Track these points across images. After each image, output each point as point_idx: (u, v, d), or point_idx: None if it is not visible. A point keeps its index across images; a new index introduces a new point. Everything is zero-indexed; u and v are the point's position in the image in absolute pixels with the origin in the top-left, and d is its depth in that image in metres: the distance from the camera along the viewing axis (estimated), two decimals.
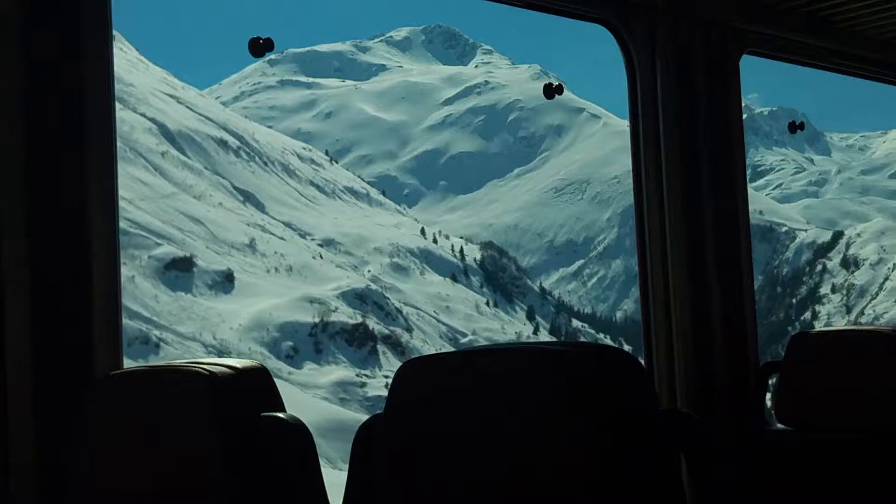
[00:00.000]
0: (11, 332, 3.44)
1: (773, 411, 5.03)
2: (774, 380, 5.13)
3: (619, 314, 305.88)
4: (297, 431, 2.85)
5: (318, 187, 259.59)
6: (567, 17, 5.31)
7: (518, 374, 2.48)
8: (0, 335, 3.43)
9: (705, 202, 5.43)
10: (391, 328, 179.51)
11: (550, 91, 5.75)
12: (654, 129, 5.41)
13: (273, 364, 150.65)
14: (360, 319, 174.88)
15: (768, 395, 5.58)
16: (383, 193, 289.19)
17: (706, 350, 5.35)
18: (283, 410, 2.93)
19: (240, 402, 2.87)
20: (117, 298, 3.67)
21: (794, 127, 7.00)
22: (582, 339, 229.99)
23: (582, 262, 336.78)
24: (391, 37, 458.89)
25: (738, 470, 5.06)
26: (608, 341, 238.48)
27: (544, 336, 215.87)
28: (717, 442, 4.87)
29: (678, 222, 5.37)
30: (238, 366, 2.95)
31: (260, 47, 4.47)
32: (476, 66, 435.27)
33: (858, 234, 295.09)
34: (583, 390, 2.39)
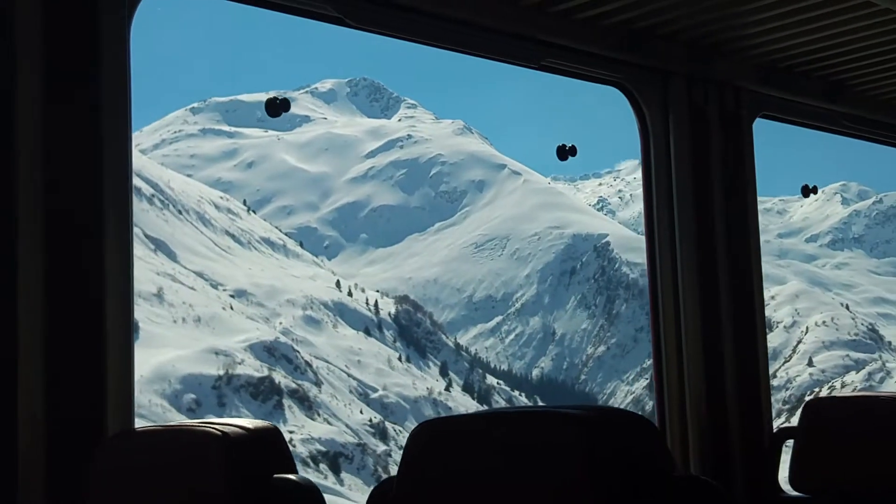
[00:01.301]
0: (25, 391, 3.46)
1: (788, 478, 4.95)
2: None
3: (535, 372, 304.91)
4: (309, 494, 2.82)
5: (233, 237, 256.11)
6: (580, 79, 5.38)
7: (536, 439, 2.44)
8: (13, 395, 3.45)
9: (720, 265, 5.49)
10: (299, 382, 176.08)
11: (564, 153, 5.52)
12: (668, 191, 5.45)
13: (174, 417, 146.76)
14: (266, 373, 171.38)
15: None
16: (301, 245, 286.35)
17: (720, 416, 5.36)
18: (295, 472, 2.91)
19: (252, 463, 2.85)
20: (130, 358, 3.71)
21: (808, 191, 6.87)
22: (496, 396, 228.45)
23: (500, 318, 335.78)
24: (316, 88, 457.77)
25: None
26: (523, 399, 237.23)
27: (456, 393, 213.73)
28: None
29: (692, 285, 5.41)
30: (250, 426, 2.94)
31: (276, 107, 4.43)
32: (399, 120, 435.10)
33: (773, 297, 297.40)
34: (601, 455, 2.35)
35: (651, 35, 5.30)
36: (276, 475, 2.87)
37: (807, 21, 5.16)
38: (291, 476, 2.87)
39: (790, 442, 5.05)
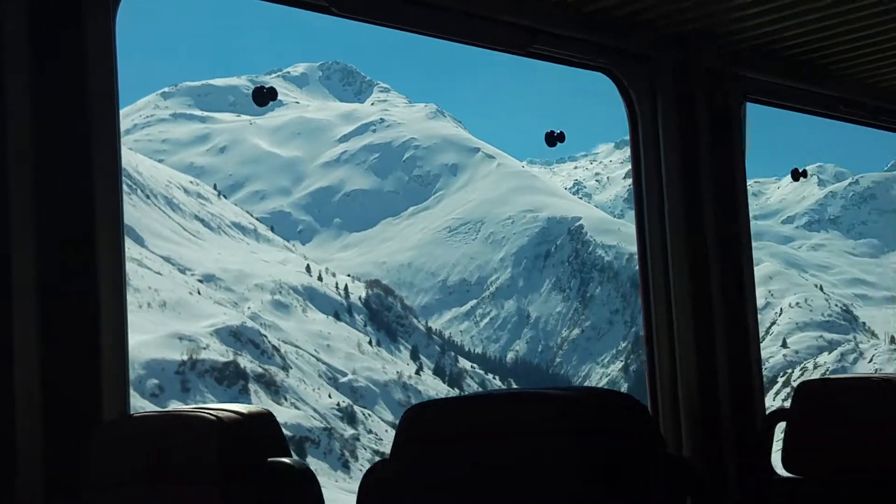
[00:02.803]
0: (21, 378, 3.52)
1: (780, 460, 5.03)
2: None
3: (510, 355, 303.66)
4: (303, 476, 2.87)
5: (202, 222, 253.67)
6: (569, 66, 5.40)
7: (524, 420, 2.47)
8: (10, 381, 3.51)
9: (710, 251, 5.53)
10: (265, 366, 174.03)
11: (553, 140, 5.52)
12: (657, 178, 5.47)
13: (137, 403, 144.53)
14: (231, 357, 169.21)
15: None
16: (272, 229, 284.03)
17: (712, 399, 5.44)
18: (290, 455, 2.95)
19: (245, 447, 2.89)
20: (124, 345, 3.74)
21: (798, 174, 6.99)
22: (468, 380, 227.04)
23: (475, 301, 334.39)
24: (288, 72, 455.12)
25: None
26: (497, 382, 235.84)
27: (427, 376, 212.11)
28: (724, 490, 5.34)
29: (682, 269, 5.45)
30: (244, 411, 2.98)
31: (263, 96, 4.39)
32: (372, 104, 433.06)
33: None
34: (589, 435, 2.38)
35: (639, 21, 5.30)
36: (269, 458, 2.90)
37: (791, 5, 5.18)
38: (285, 459, 2.90)
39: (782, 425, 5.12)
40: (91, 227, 3.68)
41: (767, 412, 5.32)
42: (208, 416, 2.92)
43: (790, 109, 6.32)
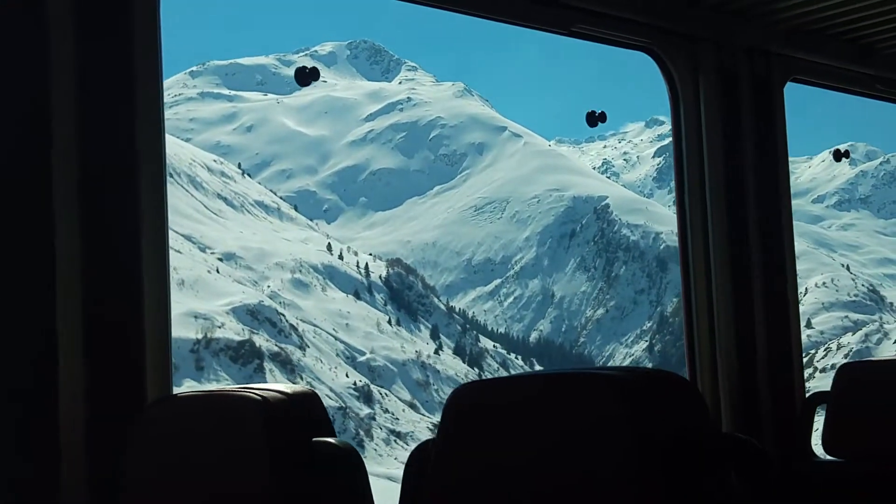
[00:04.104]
0: (65, 359, 3.50)
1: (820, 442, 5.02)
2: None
3: (533, 335, 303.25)
4: (349, 457, 2.86)
5: (226, 200, 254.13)
6: (609, 45, 5.39)
7: (573, 400, 2.44)
8: (54, 363, 3.49)
9: (750, 229, 5.55)
10: (282, 345, 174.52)
11: (594, 120, 5.53)
12: (699, 156, 5.49)
13: None
14: (247, 336, 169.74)
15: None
16: (295, 208, 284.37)
17: (751, 381, 5.45)
18: (334, 435, 2.94)
19: (291, 427, 2.88)
20: (167, 325, 3.74)
21: (840, 155, 7.01)
22: (489, 359, 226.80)
23: (499, 281, 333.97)
24: (316, 51, 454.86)
25: (785, 501, 5.11)
26: (519, 362, 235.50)
27: (446, 356, 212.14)
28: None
29: (722, 249, 5.46)
30: (289, 391, 2.96)
31: (306, 76, 4.40)
32: (400, 83, 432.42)
33: None
34: (639, 415, 2.34)
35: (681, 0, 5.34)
36: (315, 438, 2.89)
37: None
38: (331, 439, 2.90)
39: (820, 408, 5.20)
40: (136, 209, 3.66)
41: (808, 394, 5.36)
42: (253, 395, 2.91)
43: (835, 90, 6.26)
